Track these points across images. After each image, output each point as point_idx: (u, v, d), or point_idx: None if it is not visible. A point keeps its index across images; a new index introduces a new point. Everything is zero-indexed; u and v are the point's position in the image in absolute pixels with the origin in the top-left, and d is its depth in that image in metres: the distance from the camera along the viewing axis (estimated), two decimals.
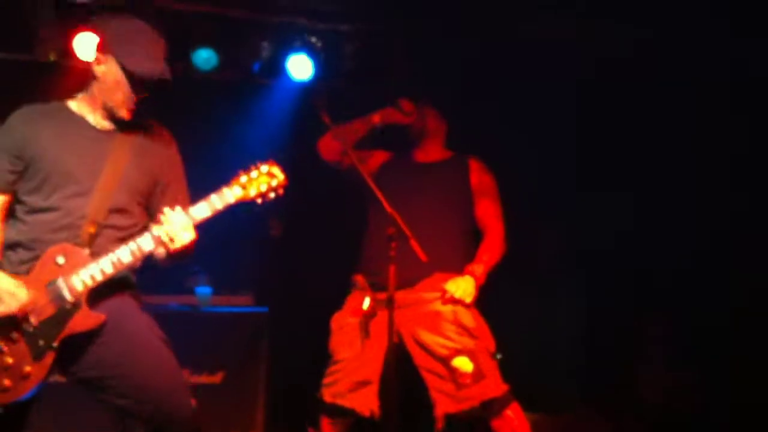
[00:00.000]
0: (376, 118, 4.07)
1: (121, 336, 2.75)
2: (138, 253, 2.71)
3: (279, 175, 2.84)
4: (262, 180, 2.82)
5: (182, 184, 2.98)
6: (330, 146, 4.06)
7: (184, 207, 2.76)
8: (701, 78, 4.74)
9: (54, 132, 2.80)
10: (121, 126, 2.87)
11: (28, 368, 2.64)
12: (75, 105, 2.88)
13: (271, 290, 5.00)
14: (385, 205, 3.43)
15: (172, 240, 2.70)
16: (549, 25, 4.72)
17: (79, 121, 2.85)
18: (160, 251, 2.80)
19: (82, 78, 2.91)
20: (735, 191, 4.79)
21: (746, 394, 4.61)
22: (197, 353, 4.48)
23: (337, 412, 3.85)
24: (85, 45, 4.46)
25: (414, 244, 3.39)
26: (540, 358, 5.14)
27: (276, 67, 4.89)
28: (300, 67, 4.88)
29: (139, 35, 2.79)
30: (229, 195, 2.78)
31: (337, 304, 4.04)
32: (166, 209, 2.72)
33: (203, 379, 4.53)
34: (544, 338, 5.27)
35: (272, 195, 2.84)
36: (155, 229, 2.71)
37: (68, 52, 4.50)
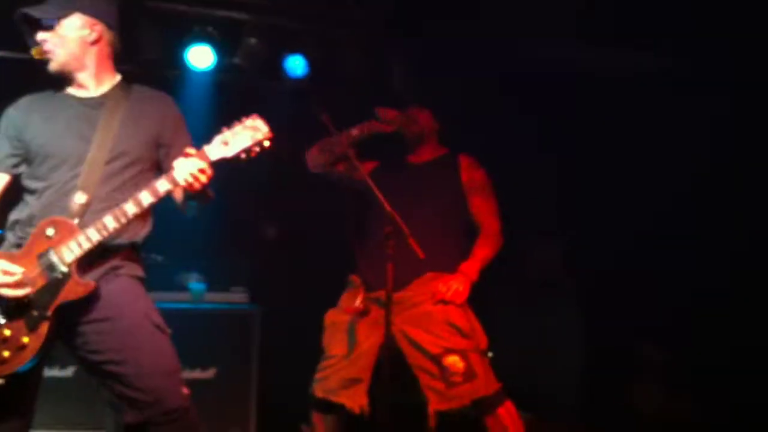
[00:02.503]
0: (355, 132, 4.09)
1: (120, 324, 2.79)
2: (122, 218, 2.72)
3: (262, 128, 2.74)
4: (245, 134, 2.71)
5: (186, 142, 2.93)
6: (316, 159, 4.12)
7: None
8: None
9: (45, 114, 2.89)
10: (112, 94, 2.94)
11: (24, 339, 2.69)
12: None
13: (264, 287, 5.03)
14: (384, 204, 3.46)
15: (191, 184, 2.69)
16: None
17: (67, 97, 2.93)
18: (178, 195, 2.84)
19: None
20: (735, 210, 4.79)
21: (741, 408, 4.63)
22: (190, 349, 4.48)
23: (328, 407, 3.89)
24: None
25: (412, 241, 3.43)
26: (538, 370, 5.18)
27: (273, 68, 4.93)
28: (295, 66, 4.92)
29: None
30: (212, 151, 2.72)
31: (329, 301, 4.08)
32: (179, 159, 2.71)
33: (196, 374, 4.56)
34: (542, 353, 5.31)
35: (257, 149, 2.73)
36: (174, 173, 2.70)
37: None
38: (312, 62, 4.92)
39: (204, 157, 2.70)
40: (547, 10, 4.67)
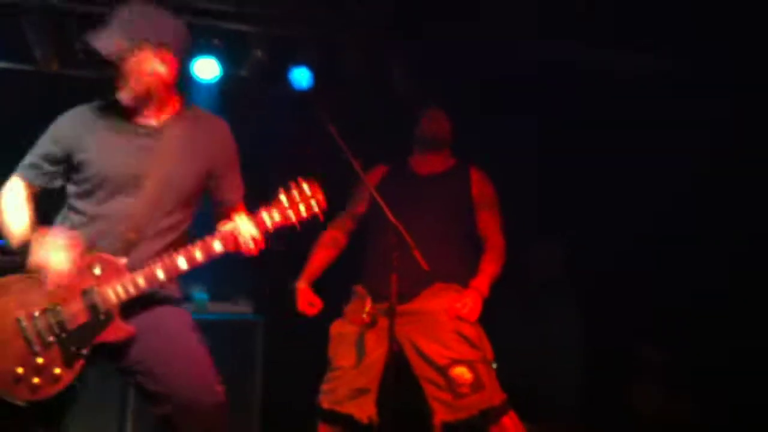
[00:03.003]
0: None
1: (160, 331, 2.81)
2: (173, 272, 2.74)
3: (319, 196, 2.78)
4: (302, 202, 2.76)
5: (236, 174, 2.96)
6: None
7: (239, 197, 2.87)
8: None
9: (104, 136, 2.82)
10: (170, 121, 2.88)
11: (58, 371, 2.68)
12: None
13: (268, 297, 5.02)
14: (389, 214, 3.46)
15: (246, 248, 2.74)
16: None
17: (129, 122, 2.85)
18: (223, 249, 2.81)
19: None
20: (734, 211, 4.81)
21: (740, 409, 4.64)
22: None
23: (335, 419, 3.88)
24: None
25: (416, 253, 3.44)
26: (537, 372, 5.18)
27: (275, 77, 4.91)
28: (301, 77, 4.91)
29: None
30: (267, 220, 2.75)
31: (333, 312, 4.07)
32: (237, 217, 2.74)
33: None
34: (541, 355, 5.31)
35: (309, 215, 2.78)
36: (215, 243, 2.73)
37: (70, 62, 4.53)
38: (316, 72, 4.91)
39: (262, 226, 2.75)
40: (547, 12, 4.67)
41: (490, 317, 3.93)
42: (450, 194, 4.06)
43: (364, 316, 3.82)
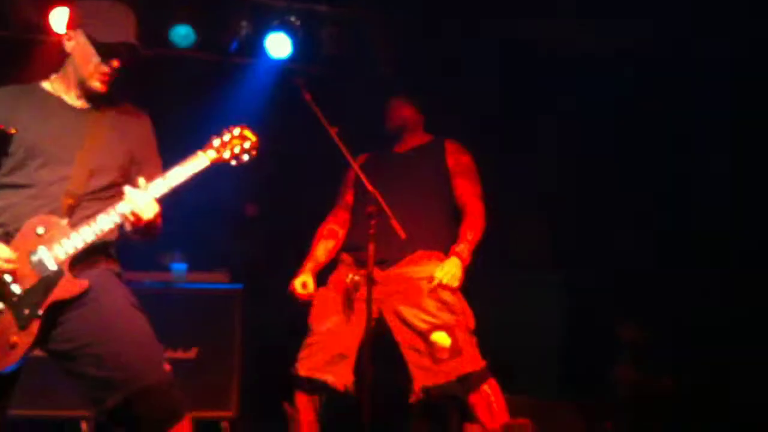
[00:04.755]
0: None
1: (97, 307, 2.77)
2: (118, 219, 2.74)
3: (251, 137, 2.90)
4: (235, 142, 2.86)
5: (157, 163, 3.00)
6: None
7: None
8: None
9: (31, 113, 2.85)
10: (97, 104, 2.92)
11: (14, 338, 2.66)
12: (50, 85, 2.94)
13: (246, 266, 5.03)
14: (366, 183, 3.52)
15: (136, 216, 2.72)
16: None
17: (56, 100, 2.90)
18: (127, 227, 2.82)
19: (58, 55, 2.94)
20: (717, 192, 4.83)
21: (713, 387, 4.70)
22: (172, 329, 4.50)
23: (311, 386, 3.87)
24: (60, 20, 4.48)
25: (394, 221, 3.47)
26: (519, 346, 5.21)
27: (254, 47, 4.91)
28: (279, 45, 4.89)
29: (107, 8, 2.85)
30: (203, 158, 2.82)
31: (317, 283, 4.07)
32: (126, 188, 2.75)
33: (178, 354, 4.56)
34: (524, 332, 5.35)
35: (246, 157, 2.89)
36: (119, 206, 2.74)
37: (45, 28, 4.50)
38: (295, 41, 4.90)
39: (198, 165, 2.80)
40: None
41: (473, 293, 3.94)
42: (426, 167, 4.09)
43: (348, 282, 3.84)
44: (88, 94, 2.89)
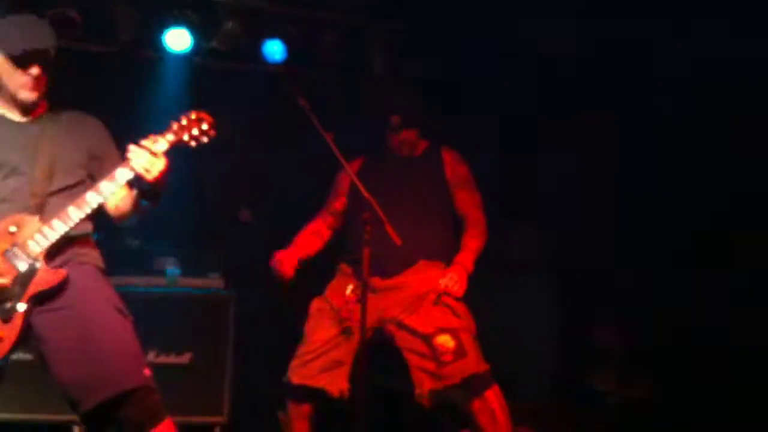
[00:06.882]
0: None
1: (78, 310, 2.80)
2: (88, 208, 2.80)
3: (207, 119, 2.96)
4: (192, 126, 2.93)
5: (116, 156, 3.05)
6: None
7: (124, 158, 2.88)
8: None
9: None
10: (42, 115, 3.00)
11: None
12: None
13: (240, 272, 5.02)
14: (362, 190, 3.52)
15: (148, 171, 2.82)
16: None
17: (1, 119, 2.96)
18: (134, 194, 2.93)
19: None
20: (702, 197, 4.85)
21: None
22: (165, 334, 4.51)
23: (304, 394, 3.86)
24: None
25: (389, 228, 3.47)
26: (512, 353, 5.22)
27: (249, 53, 4.90)
28: (273, 51, 4.91)
29: (15, 23, 2.95)
30: (162, 141, 2.88)
31: (304, 286, 4.05)
32: (131, 146, 2.84)
33: (171, 359, 4.55)
34: (517, 336, 5.35)
35: (204, 139, 2.96)
36: (118, 172, 2.83)
37: None
38: (290, 47, 4.90)
39: (158, 147, 2.86)
40: None
41: (468, 298, 3.94)
42: (425, 176, 4.07)
43: (348, 294, 3.83)
44: (25, 107, 2.96)
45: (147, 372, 2.84)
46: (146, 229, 4.74)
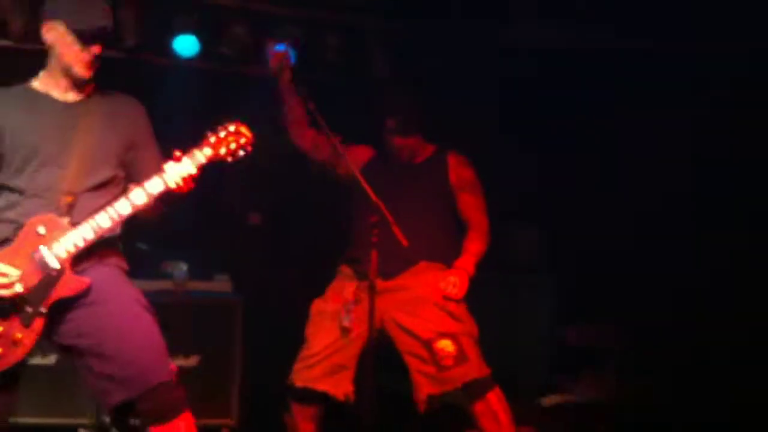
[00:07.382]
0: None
1: (107, 307, 2.82)
2: (116, 216, 2.79)
3: (246, 133, 2.91)
4: (230, 139, 2.87)
5: (154, 146, 3.05)
6: (299, 135, 4.11)
7: (159, 167, 2.83)
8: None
9: (22, 115, 2.87)
10: (87, 94, 2.96)
11: (18, 335, 2.72)
12: (38, 84, 2.96)
13: (248, 276, 5.03)
14: (370, 193, 3.52)
15: (180, 186, 2.80)
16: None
17: (44, 98, 2.92)
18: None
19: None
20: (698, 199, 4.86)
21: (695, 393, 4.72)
22: (173, 337, 4.46)
23: (309, 397, 3.88)
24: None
25: (396, 230, 3.48)
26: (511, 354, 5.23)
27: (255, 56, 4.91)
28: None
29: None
30: (200, 156, 2.84)
31: (312, 291, 4.07)
32: (168, 163, 2.80)
33: (179, 362, 4.53)
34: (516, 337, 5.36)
35: (241, 153, 2.89)
36: (164, 175, 2.79)
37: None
38: (297, 50, 4.92)
39: (194, 163, 2.82)
40: None
41: (469, 299, 3.95)
42: (430, 180, 4.07)
43: (348, 295, 3.84)
44: (75, 83, 2.92)
45: (173, 367, 2.90)
46: (154, 231, 4.75)
